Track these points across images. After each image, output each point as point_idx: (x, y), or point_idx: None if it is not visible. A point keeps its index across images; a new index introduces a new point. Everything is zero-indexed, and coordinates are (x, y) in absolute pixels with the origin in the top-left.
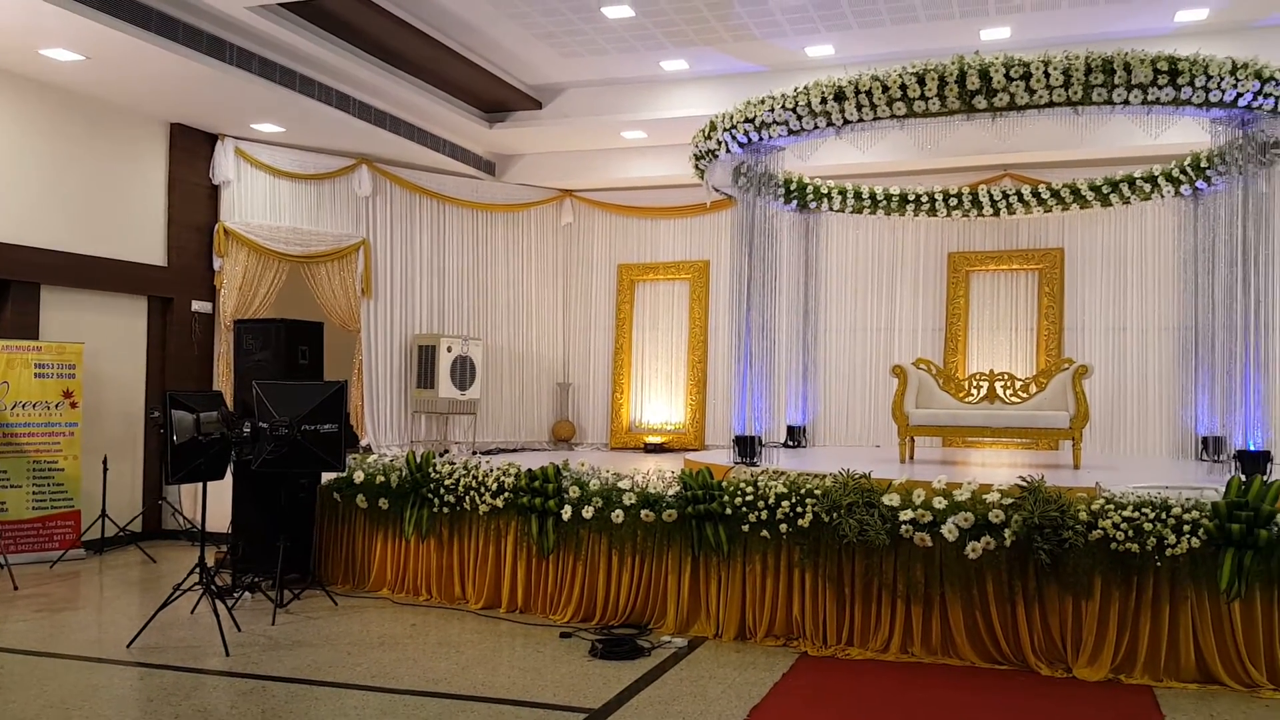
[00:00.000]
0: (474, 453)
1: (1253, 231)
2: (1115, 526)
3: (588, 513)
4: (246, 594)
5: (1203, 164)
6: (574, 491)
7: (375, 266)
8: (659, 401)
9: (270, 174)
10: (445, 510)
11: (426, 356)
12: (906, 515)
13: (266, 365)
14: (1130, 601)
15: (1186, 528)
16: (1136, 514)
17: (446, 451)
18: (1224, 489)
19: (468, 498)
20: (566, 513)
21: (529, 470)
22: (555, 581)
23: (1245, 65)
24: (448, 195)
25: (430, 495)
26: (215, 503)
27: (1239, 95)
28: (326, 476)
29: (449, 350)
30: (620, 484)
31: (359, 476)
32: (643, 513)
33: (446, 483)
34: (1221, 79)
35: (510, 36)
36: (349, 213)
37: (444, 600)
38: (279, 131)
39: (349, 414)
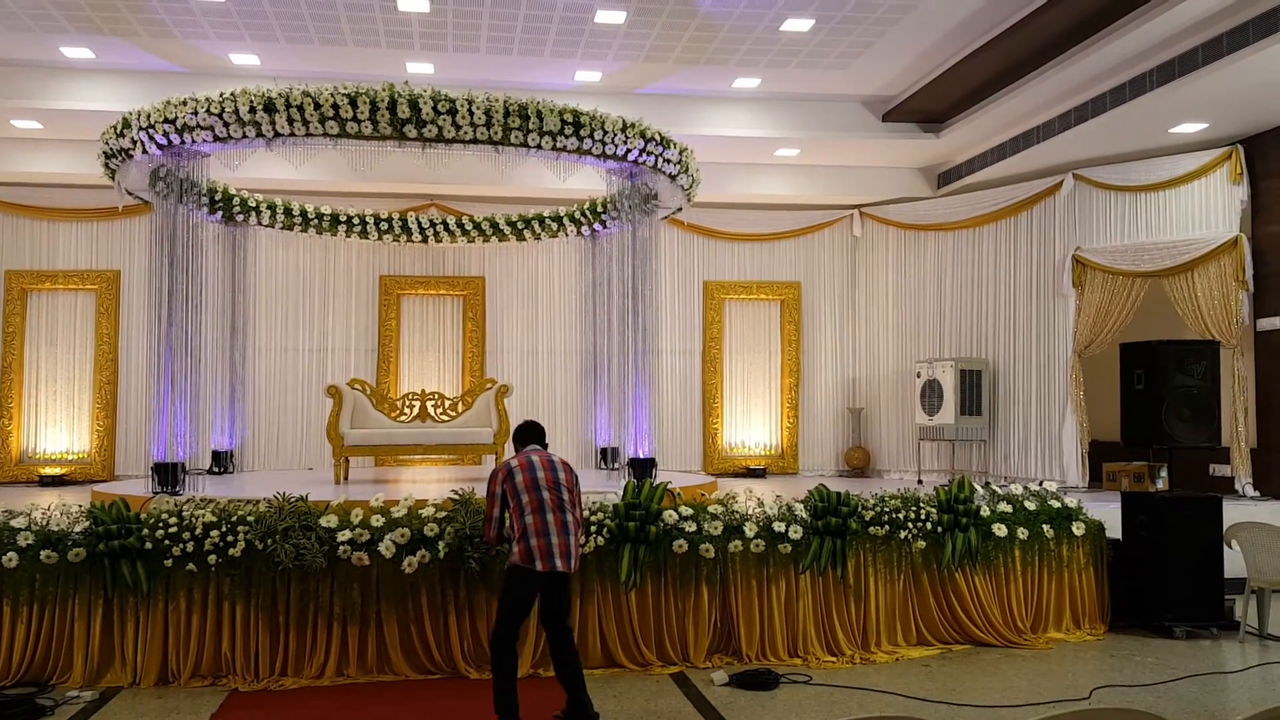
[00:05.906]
0: None
1: (640, 269)
2: None
3: None
4: None
5: (599, 209)
6: None
7: None
8: (59, 428)
9: None
10: None
11: None
12: (345, 536)
13: None
14: None
15: (594, 528)
16: None
17: None
18: (622, 492)
19: None
20: None
21: None
22: None
23: (634, 125)
24: None
25: None
26: None
27: (629, 150)
28: None
29: None
30: (14, 522)
31: None
32: (43, 554)
33: None
34: (615, 135)
35: None
36: None
37: None
38: None
39: None
